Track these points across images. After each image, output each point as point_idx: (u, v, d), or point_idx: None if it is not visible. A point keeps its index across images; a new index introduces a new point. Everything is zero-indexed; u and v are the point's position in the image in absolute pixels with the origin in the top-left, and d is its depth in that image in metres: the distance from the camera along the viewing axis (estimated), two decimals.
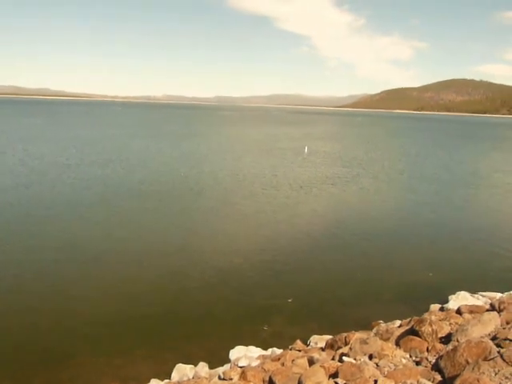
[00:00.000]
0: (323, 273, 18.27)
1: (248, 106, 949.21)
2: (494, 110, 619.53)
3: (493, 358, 6.64)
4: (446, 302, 14.31)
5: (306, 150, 62.27)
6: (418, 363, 7.94)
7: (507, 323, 8.49)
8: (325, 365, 7.52)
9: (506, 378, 6.18)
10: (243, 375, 9.14)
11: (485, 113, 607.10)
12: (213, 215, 26.98)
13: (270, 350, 11.88)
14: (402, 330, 10.07)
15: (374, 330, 11.48)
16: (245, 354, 11.48)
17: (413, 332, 9.06)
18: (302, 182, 38.66)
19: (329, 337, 11.43)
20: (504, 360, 6.51)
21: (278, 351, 11.47)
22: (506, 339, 7.37)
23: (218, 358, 11.65)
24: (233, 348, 11.86)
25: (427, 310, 14.00)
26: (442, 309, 13.56)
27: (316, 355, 8.96)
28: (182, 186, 35.10)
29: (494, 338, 7.78)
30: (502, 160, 65.00)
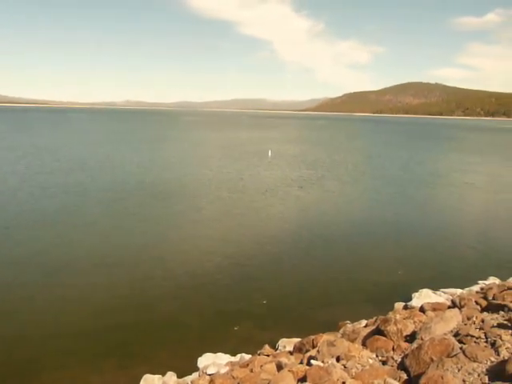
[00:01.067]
0: (291, 276, 18.32)
1: (210, 110, 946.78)
2: (449, 112, 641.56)
3: (456, 355, 6.78)
4: (410, 299, 14.55)
5: (269, 154, 62.62)
6: (384, 363, 8.02)
7: (468, 319, 8.71)
8: (293, 369, 7.50)
9: (469, 373, 6.32)
10: (212, 383, 9.01)
11: (441, 114, 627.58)
12: (179, 221, 26.71)
13: (238, 355, 11.77)
14: (368, 329, 10.18)
15: (341, 331, 11.57)
16: (213, 362, 11.34)
17: (378, 332, 9.16)
18: (267, 186, 38.81)
19: (297, 340, 11.42)
20: (466, 356, 6.66)
21: (247, 357, 11.38)
22: (467, 335, 7.55)
23: (186, 367, 11.47)
24: (201, 356, 11.71)
25: (392, 308, 14.18)
26: (405, 307, 13.78)
27: (284, 360, 8.93)
28: (147, 192, 34.56)
29: (456, 335, 7.96)
30: (459, 160, 67.22)
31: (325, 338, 9.46)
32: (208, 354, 11.79)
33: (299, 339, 11.32)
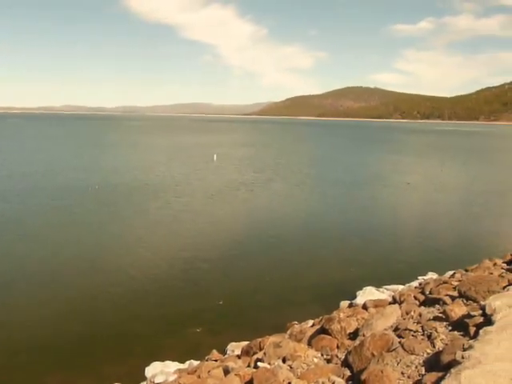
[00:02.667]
0: (241, 279, 18.36)
1: (155, 115, 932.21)
2: (387, 115, 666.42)
3: (395, 349, 7.05)
4: (355, 297, 14.92)
5: (215, 158, 62.58)
6: (328, 361, 8.20)
7: (407, 314, 9.07)
8: (240, 373, 7.51)
9: (407, 366, 6.59)
10: None
11: (380, 117, 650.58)
12: (127, 227, 26.18)
13: (187, 362, 11.63)
14: (313, 329, 10.35)
15: (289, 332, 11.68)
16: (161, 370, 11.14)
17: (323, 331, 9.35)
18: (216, 189, 38.81)
19: (246, 343, 11.43)
20: (405, 349, 6.93)
21: (196, 363, 11.26)
22: (406, 329, 7.86)
23: (134, 377, 11.21)
24: (149, 365, 11.48)
25: (338, 307, 14.51)
26: (350, 305, 14.08)
27: (232, 364, 8.91)
28: (92, 198, 33.58)
29: (396, 329, 8.27)
30: (398, 161, 69.99)
31: (271, 339, 9.53)
32: (156, 362, 11.58)
33: (248, 342, 11.33)
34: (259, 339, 10.15)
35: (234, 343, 12.35)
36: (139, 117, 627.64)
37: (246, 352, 10.03)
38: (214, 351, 11.80)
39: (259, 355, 8.84)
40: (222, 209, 31.50)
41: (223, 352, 12.10)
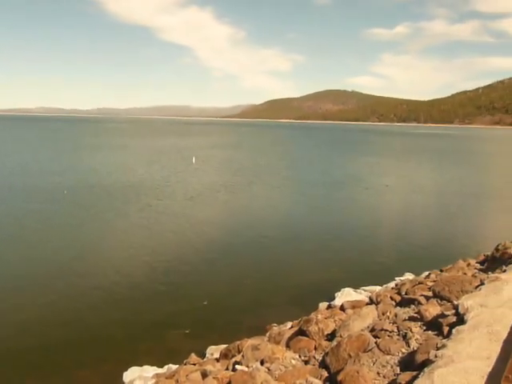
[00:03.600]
0: (220, 282, 18.30)
1: (133, 117, 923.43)
2: (365, 118, 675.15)
3: (371, 349, 7.15)
4: (334, 299, 15.05)
5: (194, 161, 62.41)
6: (306, 362, 8.26)
7: (383, 314, 9.20)
8: (218, 376, 7.50)
9: (383, 366, 6.69)
10: None
11: (357, 120, 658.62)
12: (107, 230, 25.93)
13: (165, 367, 11.56)
14: (292, 331, 10.41)
15: (268, 334, 11.70)
16: (139, 375, 11.04)
17: (301, 332, 9.42)
18: (196, 192, 38.77)
19: (225, 346, 11.41)
20: (380, 349, 7.04)
21: (174, 367, 11.19)
22: (381, 330, 7.98)
23: (111, 382, 11.10)
24: (127, 370, 11.36)
25: (317, 308, 14.61)
26: (329, 306, 14.18)
27: (210, 367, 8.90)
28: (71, 201, 33.05)
29: (372, 330, 8.38)
30: (376, 163, 70.91)
31: (250, 342, 9.55)
32: (134, 367, 11.47)
33: (226, 345, 11.32)
34: (238, 342, 10.16)
35: (213, 346, 12.32)
36: (117, 119, 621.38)
37: (225, 355, 10.03)
38: (193, 355, 11.74)
39: (237, 358, 8.85)
40: (202, 211, 31.48)
41: (202, 356, 12.06)
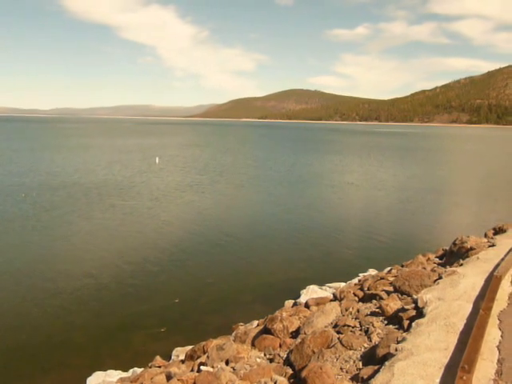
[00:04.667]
0: (186, 282, 18.17)
1: (94, 117, 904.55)
2: (328, 117, 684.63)
3: (334, 345, 7.25)
4: (299, 296, 15.20)
5: (157, 161, 61.70)
6: (271, 360, 8.29)
7: (346, 310, 9.34)
8: (183, 378, 7.43)
9: (346, 361, 6.80)
10: None
11: (321, 119, 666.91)
12: (71, 231, 25.28)
13: (130, 370, 11.39)
14: (257, 329, 10.43)
15: (234, 334, 11.69)
16: (103, 380, 10.83)
17: (266, 331, 9.45)
18: (161, 192, 38.43)
19: (190, 347, 11.32)
20: (343, 345, 7.15)
21: (139, 371, 11.03)
22: (344, 325, 8.11)
23: None
24: (90, 375, 11.13)
25: (283, 306, 14.70)
26: (295, 304, 14.29)
27: (175, 369, 8.81)
28: (31, 203, 31.98)
29: (335, 326, 8.50)
30: (339, 161, 72.03)
31: (215, 342, 9.52)
32: (98, 372, 11.25)
33: (192, 346, 11.24)
34: (203, 343, 10.11)
35: (179, 348, 12.21)
36: (77, 119, 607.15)
37: (190, 356, 9.95)
38: (158, 357, 11.61)
39: (202, 359, 8.80)
40: (167, 211, 31.21)
41: (168, 358, 11.94)
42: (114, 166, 57.35)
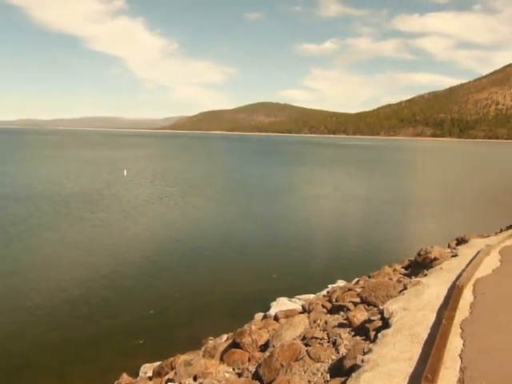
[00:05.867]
0: (156, 296, 17.85)
1: (60, 129, 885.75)
2: (297, 130, 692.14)
3: (302, 358, 7.27)
4: (269, 309, 15.15)
5: (125, 173, 60.87)
6: (240, 375, 8.24)
7: (314, 322, 9.39)
8: None
9: (314, 373, 6.83)
10: None
11: (290, 132, 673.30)
12: (39, 245, 24.63)
13: None
14: (226, 344, 10.35)
15: (203, 349, 11.57)
16: None
17: (235, 345, 9.39)
18: (130, 204, 37.99)
19: (159, 363, 11.12)
20: (311, 357, 7.18)
21: None
22: (312, 337, 8.15)
23: None
24: None
25: (253, 319, 14.62)
26: (265, 316, 14.25)
27: None
28: None
29: (303, 338, 8.53)
30: (310, 173, 72.78)
31: (183, 358, 9.38)
32: None
33: (160, 362, 11.04)
34: (171, 358, 9.95)
35: (147, 364, 11.97)
36: (41, 131, 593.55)
37: (158, 373, 9.77)
38: (124, 375, 11.35)
39: (170, 375, 8.66)
40: (137, 224, 30.80)
41: (136, 375, 11.69)
42: (81, 178, 56.29)
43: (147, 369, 11.61)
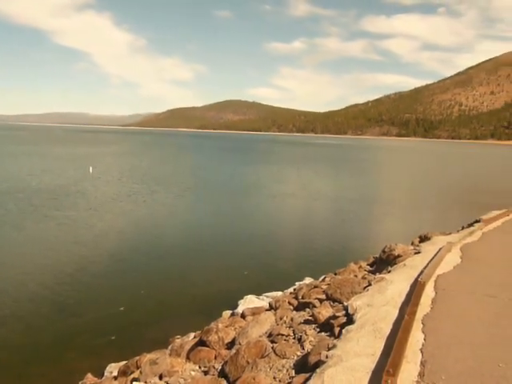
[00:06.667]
0: (123, 294, 17.56)
1: (23, 124, 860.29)
2: (266, 128, 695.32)
3: (268, 355, 7.33)
4: (237, 307, 15.18)
5: (90, 170, 59.72)
6: (206, 373, 8.23)
7: (281, 319, 9.48)
8: None
9: (279, 370, 6.89)
10: None
11: (259, 130, 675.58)
12: (1, 244, 23.80)
13: None
14: (193, 342, 10.32)
15: (170, 347, 11.50)
16: None
17: (201, 343, 9.37)
18: (97, 201, 37.20)
19: (124, 363, 10.99)
20: (277, 354, 7.24)
21: None
22: (278, 334, 8.22)
23: None
24: None
25: (221, 317, 14.61)
26: (232, 314, 14.28)
27: None
28: None
29: (270, 335, 8.60)
30: (278, 172, 73.15)
31: (148, 357, 9.30)
32: None
33: (125, 362, 10.90)
34: (137, 358, 9.83)
35: (113, 364, 11.80)
36: (4, 126, 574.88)
37: (123, 372, 9.65)
38: (89, 375, 11.16)
39: (135, 374, 8.57)
40: (104, 221, 30.27)
41: (101, 375, 11.51)
42: (46, 174, 54.81)
43: (113, 368, 11.46)
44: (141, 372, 8.30)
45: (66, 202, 36.26)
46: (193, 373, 8.30)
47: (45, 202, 36.08)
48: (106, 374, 11.44)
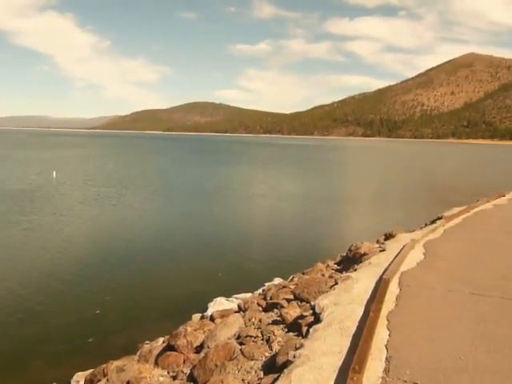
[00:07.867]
0: (91, 300, 17.15)
1: None
2: (233, 130, 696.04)
3: (236, 357, 7.32)
4: (207, 309, 15.08)
5: (54, 175, 58.24)
6: (174, 378, 8.15)
7: (249, 320, 9.49)
8: None
9: (248, 372, 6.90)
10: None
11: (226, 132, 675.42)
12: None
13: None
14: (161, 347, 10.21)
15: (139, 353, 11.33)
16: None
17: (170, 347, 9.28)
18: (64, 206, 36.35)
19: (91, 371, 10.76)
20: (245, 356, 7.24)
21: None
22: (247, 336, 8.23)
23: None
24: None
25: (191, 320, 14.48)
26: (202, 317, 14.19)
27: None
28: None
29: (238, 337, 8.60)
30: (246, 172, 73.31)
31: (115, 364, 9.13)
32: None
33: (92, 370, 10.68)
34: (103, 365, 9.65)
35: (80, 373, 11.52)
36: None
37: (90, 381, 9.45)
38: None
39: (102, 382, 8.42)
40: (71, 225, 29.61)
41: None
42: (7, 179, 53.11)
43: (80, 377, 11.20)
44: (107, 380, 8.15)
45: (30, 207, 35.30)
46: (161, 378, 8.22)
47: (7, 207, 35.00)
48: (72, 383, 11.19)
